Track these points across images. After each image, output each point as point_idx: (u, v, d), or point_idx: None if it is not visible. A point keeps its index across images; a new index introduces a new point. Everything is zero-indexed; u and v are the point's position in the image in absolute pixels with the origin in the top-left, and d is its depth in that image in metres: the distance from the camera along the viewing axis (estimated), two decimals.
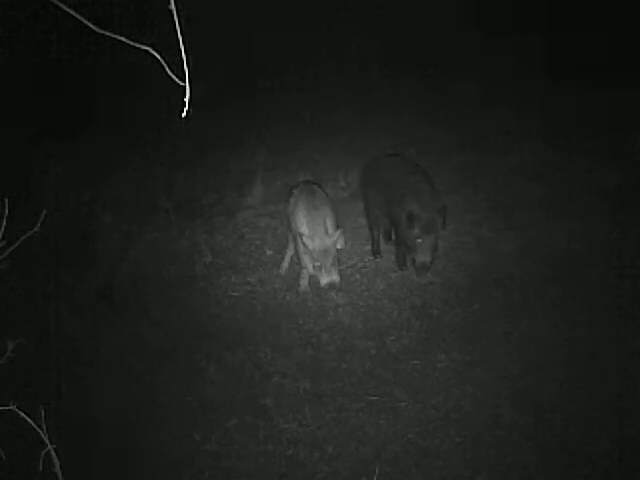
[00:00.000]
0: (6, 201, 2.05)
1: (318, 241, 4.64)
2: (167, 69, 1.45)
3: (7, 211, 2.02)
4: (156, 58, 1.47)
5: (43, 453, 1.93)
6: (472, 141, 6.93)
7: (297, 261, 5.11)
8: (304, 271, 4.95)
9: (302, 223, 4.74)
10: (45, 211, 2.16)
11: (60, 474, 1.93)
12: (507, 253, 5.30)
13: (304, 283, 5.00)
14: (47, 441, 1.89)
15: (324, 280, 4.70)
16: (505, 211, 5.82)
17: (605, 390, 3.93)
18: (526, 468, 3.53)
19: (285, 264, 5.24)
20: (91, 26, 1.48)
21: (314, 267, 4.71)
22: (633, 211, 5.57)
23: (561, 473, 3.49)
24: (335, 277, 4.70)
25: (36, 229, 2.08)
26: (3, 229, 1.94)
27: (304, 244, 4.65)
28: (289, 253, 5.18)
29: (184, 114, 1.46)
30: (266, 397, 4.05)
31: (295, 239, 4.87)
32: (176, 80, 1.45)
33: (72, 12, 1.48)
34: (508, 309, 4.67)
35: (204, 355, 4.39)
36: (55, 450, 1.92)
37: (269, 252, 5.51)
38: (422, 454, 3.64)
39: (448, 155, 6.74)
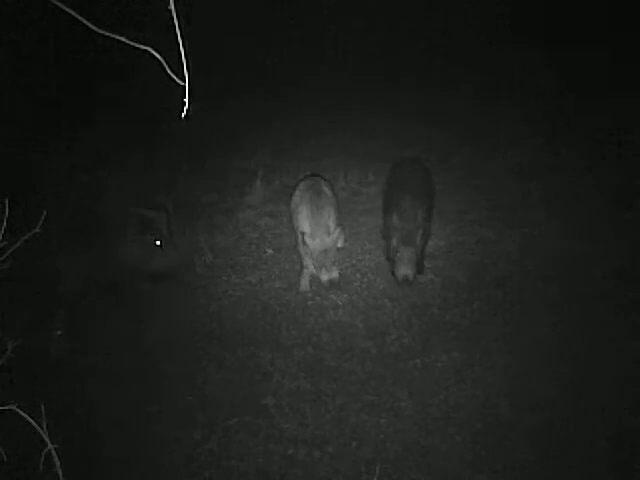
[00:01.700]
0: (6, 201, 2.05)
1: (318, 240, 4.67)
2: (167, 69, 1.45)
3: (7, 211, 2.02)
4: (156, 58, 1.47)
5: (43, 453, 1.93)
6: (472, 141, 6.94)
7: (298, 260, 5.12)
8: (305, 271, 4.96)
9: (305, 223, 4.76)
10: (45, 211, 2.16)
11: (60, 473, 1.94)
12: (507, 253, 5.30)
13: (305, 282, 5.00)
14: (47, 440, 1.90)
15: (324, 277, 4.74)
16: (505, 211, 5.82)
17: (605, 390, 3.93)
18: (526, 468, 3.53)
19: (305, 281, 5.02)
20: (91, 26, 1.48)
21: (314, 266, 4.74)
22: (633, 211, 5.57)
23: (561, 473, 3.49)
24: (335, 274, 4.74)
25: (36, 229, 2.08)
26: (3, 229, 1.94)
27: (305, 243, 4.68)
28: (307, 271, 4.97)
29: (183, 114, 1.46)
30: (266, 397, 4.06)
31: (297, 237, 4.89)
32: (176, 80, 1.45)
33: (72, 12, 1.48)
34: (508, 309, 4.67)
35: (204, 355, 4.40)
36: (55, 450, 1.92)
37: (269, 251, 5.51)
38: (422, 454, 3.64)
39: (448, 155, 6.74)
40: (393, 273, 4.85)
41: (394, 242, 4.73)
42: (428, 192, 5.04)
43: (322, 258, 4.68)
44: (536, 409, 3.85)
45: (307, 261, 4.83)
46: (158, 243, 4.62)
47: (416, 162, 5.43)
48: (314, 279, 4.94)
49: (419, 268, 4.94)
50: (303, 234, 4.70)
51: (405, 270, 4.73)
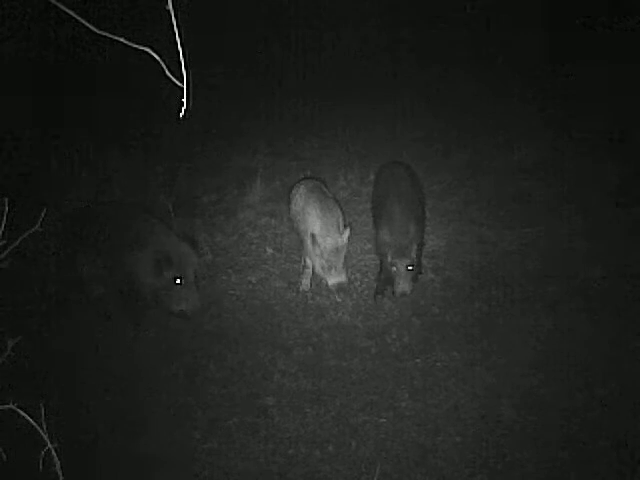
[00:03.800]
0: (6, 201, 2.05)
1: (330, 240, 4.60)
2: (166, 70, 1.45)
3: (7, 210, 2.02)
4: (155, 59, 1.47)
5: (43, 452, 1.93)
6: (472, 141, 6.93)
7: (299, 259, 5.11)
8: (307, 270, 4.94)
9: (315, 223, 4.69)
10: (45, 210, 2.16)
11: (60, 473, 1.94)
12: (507, 252, 5.30)
13: (305, 282, 4.99)
14: (47, 440, 1.90)
15: (333, 280, 4.63)
16: (505, 211, 5.82)
17: (605, 390, 3.94)
18: (526, 467, 3.53)
19: (306, 281, 4.99)
20: (90, 27, 1.48)
21: (323, 267, 4.66)
22: (633, 210, 5.57)
23: (561, 473, 3.49)
24: (344, 278, 4.65)
25: (36, 228, 2.08)
26: (3, 228, 1.94)
27: (317, 244, 4.60)
28: (308, 271, 4.94)
29: (182, 114, 1.46)
30: (267, 396, 4.06)
31: (304, 239, 4.81)
32: (174, 81, 1.45)
33: (72, 13, 1.49)
34: (508, 308, 4.67)
35: (205, 354, 4.39)
36: (55, 449, 1.92)
37: (269, 251, 5.51)
38: (422, 453, 3.64)
39: (448, 155, 6.74)
40: (392, 290, 4.66)
41: (389, 257, 4.55)
42: (417, 198, 4.86)
43: (333, 258, 4.58)
44: (536, 409, 3.86)
45: (315, 263, 4.72)
46: (178, 282, 4.30)
47: (401, 167, 5.13)
48: (314, 279, 4.93)
49: (418, 269, 4.89)
50: (313, 235, 4.60)
51: (404, 286, 4.54)
